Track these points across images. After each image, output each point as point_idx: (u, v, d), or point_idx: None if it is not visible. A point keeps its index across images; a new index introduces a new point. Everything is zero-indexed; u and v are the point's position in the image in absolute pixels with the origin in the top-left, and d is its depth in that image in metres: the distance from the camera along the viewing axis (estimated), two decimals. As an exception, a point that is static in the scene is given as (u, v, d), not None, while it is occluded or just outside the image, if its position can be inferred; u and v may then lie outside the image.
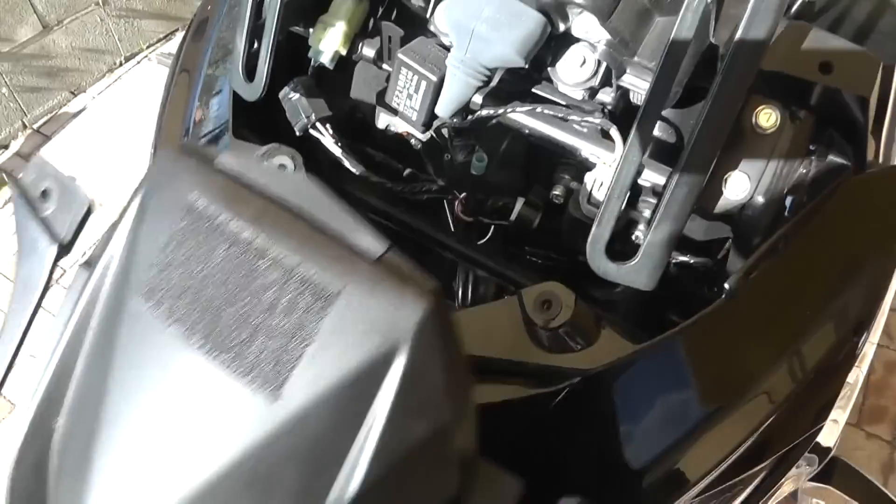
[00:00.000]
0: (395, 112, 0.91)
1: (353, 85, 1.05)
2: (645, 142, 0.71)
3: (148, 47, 3.13)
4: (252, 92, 0.89)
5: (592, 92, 0.86)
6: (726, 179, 0.78)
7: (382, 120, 1.13)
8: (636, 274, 0.73)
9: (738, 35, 0.66)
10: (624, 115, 0.88)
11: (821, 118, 0.79)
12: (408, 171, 0.96)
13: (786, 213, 0.80)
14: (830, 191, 0.77)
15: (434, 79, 0.84)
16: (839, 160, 0.79)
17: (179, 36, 3.03)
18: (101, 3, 2.89)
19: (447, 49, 0.87)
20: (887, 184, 0.81)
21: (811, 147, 0.80)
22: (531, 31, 0.76)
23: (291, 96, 0.92)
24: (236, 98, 0.94)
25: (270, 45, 0.86)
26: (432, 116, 0.87)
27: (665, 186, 0.71)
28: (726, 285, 0.71)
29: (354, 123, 1.08)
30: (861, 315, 0.78)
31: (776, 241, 0.75)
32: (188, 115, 1.02)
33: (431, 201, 0.98)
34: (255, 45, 0.90)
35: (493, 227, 0.97)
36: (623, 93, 0.85)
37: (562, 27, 0.79)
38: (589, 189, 0.82)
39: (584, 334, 0.76)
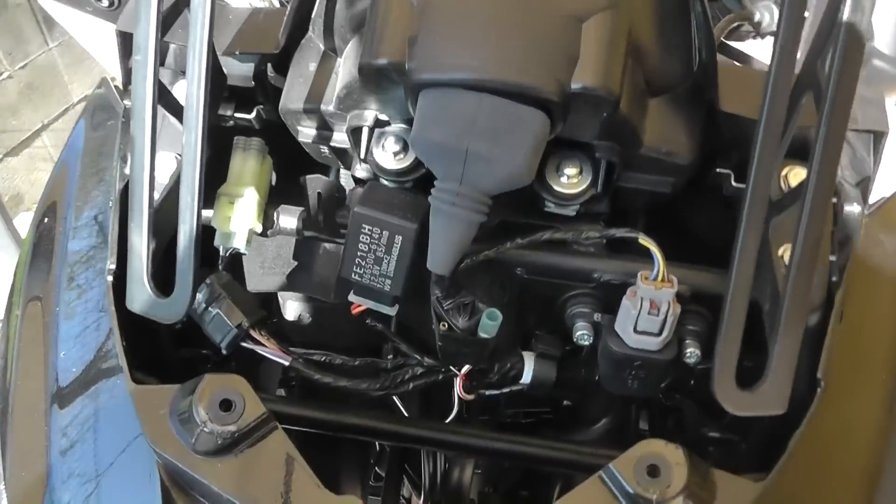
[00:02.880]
0: (348, 288, 0.69)
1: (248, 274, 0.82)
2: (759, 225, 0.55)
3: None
4: (171, 310, 0.63)
5: (592, 202, 0.69)
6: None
7: (291, 309, 0.90)
8: (769, 398, 0.57)
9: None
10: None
11: None
12: (390, 358, 0.74)
13: None
14: None
15: (414, 228, 0.63)
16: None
17: None
18: None
19: (412, 190, 0.67)
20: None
21: None
22: (539, 136, 0.59)
23: (208, 306, 0.68)
24: (132, 325, 0.67)
25: (193, 234, 0.61)
26: (409, 282, 0.66)
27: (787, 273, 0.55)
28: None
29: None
30: None
31: None
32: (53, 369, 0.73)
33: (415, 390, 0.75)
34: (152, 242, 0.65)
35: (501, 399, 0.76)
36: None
37: (559, 128, 0.62)
38: (635, 313, 0.64)
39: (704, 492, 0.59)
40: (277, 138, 0.77)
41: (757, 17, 1.09)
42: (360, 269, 0.66)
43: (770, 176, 0.59)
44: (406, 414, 0.88)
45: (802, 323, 0.58)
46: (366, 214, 0.63)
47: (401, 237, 0.63)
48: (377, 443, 1.07)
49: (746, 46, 1.11)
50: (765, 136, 0.57)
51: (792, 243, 0.58)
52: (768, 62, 0.58)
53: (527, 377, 0.73)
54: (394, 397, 0.86)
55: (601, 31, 0.60)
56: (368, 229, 0.64)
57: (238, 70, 0.76)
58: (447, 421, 0.79)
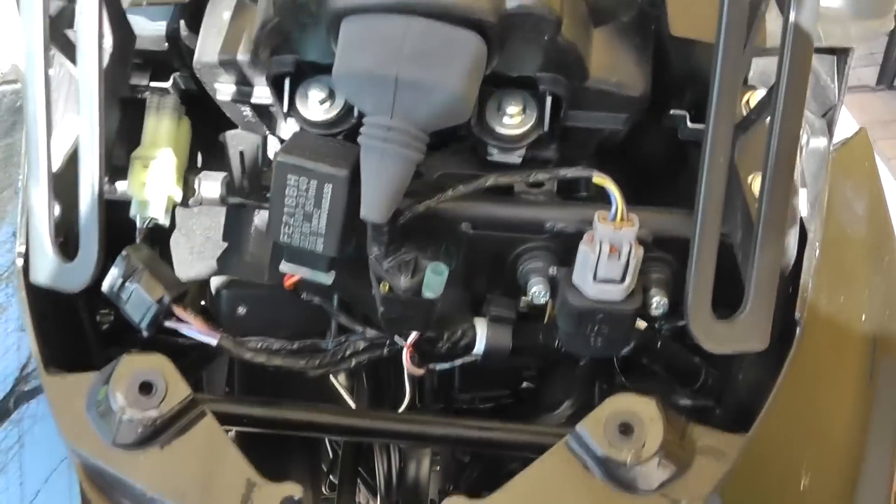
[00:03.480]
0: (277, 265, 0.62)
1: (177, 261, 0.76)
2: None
3: None
4: (76, 276, 0.56)
5: (538, 146, 0.64)
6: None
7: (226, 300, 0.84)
8: (749, 330, 0.51)
9: None
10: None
11: None
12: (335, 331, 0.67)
13: None
14: None
15: (344, 174, 0.57)
16: None
17: None
18: None
19: (338, 134, 0.61)
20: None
21: None
22: (475, 60, 0.53)
23: (127, 283, 0.61)
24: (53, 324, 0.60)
25: (96, 192, 0.54)
26: (346, 237, 0.60)
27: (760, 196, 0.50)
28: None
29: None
30: None
31: None
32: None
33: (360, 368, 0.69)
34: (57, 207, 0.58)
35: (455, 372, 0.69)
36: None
37: (496, 57, 0.57)
38: (594, 258, 0.58)
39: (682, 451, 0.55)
40: (199, 109, 0.71)
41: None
42: (289, 229, 0.59)
43: (733, 102, 0.55)
44: (354, 406, 0.81)
45: (780, 248, 0.53)
46: (290, 163, 0.57)
47: (331, 185, 0.57)
48: (329, 448, 1.00)
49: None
50: (726, 46, 0.52)
51: (763, 157, 0.53)
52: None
53: (480, 345, 0.67)
54: (339, 387, 0.80)
55: None
56: (294, 180, 0.57)
57: (149, 30, 0.70)
58: (400, 410, 0.72)
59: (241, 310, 0.83)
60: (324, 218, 0.58)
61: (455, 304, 0.70)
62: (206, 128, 0.71)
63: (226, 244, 0.76)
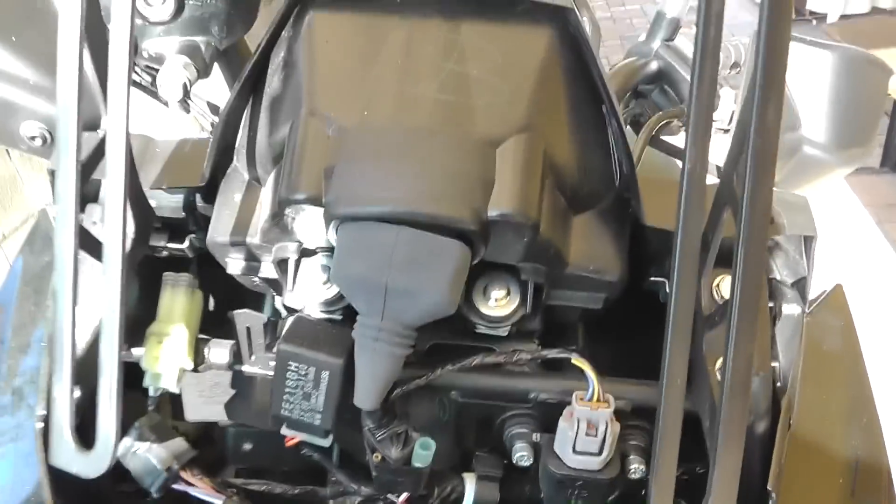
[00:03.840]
0: (281, 422, 0.67)
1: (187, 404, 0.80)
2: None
3: None
4: (93, 464, 0.60)
5: (523, 321, 0.69)
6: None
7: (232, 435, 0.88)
8: None
9: None
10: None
11: None
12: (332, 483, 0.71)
13: None
14: None
15: (339, 363, 0.62)
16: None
17: None
18: None
19: (339, 321, 0.67)
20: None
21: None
22: (459, 266, 0.59)
23: (137, 449, 0.65)
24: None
25: (114, 385, 0.59)
26: (340, 414, 0.65)
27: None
28: None
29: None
30: None
31: None
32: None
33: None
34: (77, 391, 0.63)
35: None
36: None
37: (481, 253, 0.62)
38: (573, 434, 0.63)
39: None
40: (211, 265, 0.76)
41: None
42: (290, 405, 0.64)
43: (692, 292, 0.59)
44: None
45: (741, 438, 0.57)
46: (291, 352, 0.62)
47: (328, 373, 0.62)
48: None
49: (679, 140, 1.13)
50: (682, 254, 0.57)
51: (723, 359, 0.57)
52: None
53: (468, 500, 0.71)
54: None
55: (515, 155, 0.61)
56: (294, 366, 0.62)
57: (168, 202, 0.76)
58: None
59: (247, 446, 0.88)
60: (321, 398, 0.63)
61: (445, 459, 0.74)
62: (219, 281, 0.76)
63: (234, 391, 0.80)
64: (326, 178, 0.60)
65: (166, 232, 0.77)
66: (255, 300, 0.80)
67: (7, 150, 2.81)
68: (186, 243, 0.76)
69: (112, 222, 0.60)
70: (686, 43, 1.18)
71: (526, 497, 0.73)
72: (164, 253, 0.77)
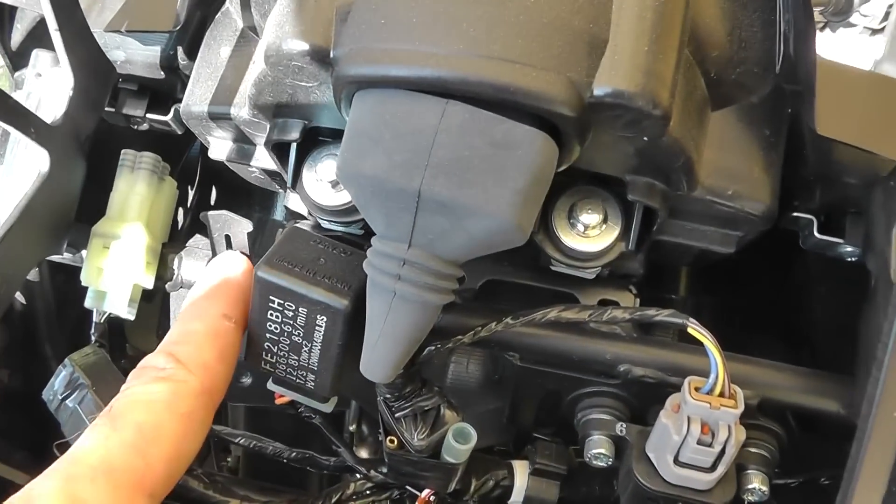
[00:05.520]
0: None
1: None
2: None
3: None
4: None
5: (619, 261, 0.47)
6: None
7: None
8: None
9: None
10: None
11: None
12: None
13: None
14: None
15: (343, 306, 0.41)
16: None
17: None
18: None
19: (348, 241, 0.46)
20: None
21: None
22: (539, 172, 0.36)
23: (67, 396, 0.47)
24: None
25: None
26: (340, 377, 0.45)
27: None
28: None
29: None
30: None
31: None
32: None
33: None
34: None
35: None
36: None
37: (573, 156, 0.40)
38: (678, 440, 0.42)
39: None
40: None
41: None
42: (272, 357, 0.44)
43: None
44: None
45: None
46: (272, 282, 0.41)
47: (325, 318, 0.41)
48: None
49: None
50: None
51: None
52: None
53: (517, 496, 0.52)
54: None
55: (643, 8, 0.37)
56: (278, 303, 0.42)
57: (141, 55, 0.56)
58: None
59: (246, 380, 0.71)
60: (315, 353, 0.43)
61: (491, 435, 0.54)
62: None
63: None
64: (338, 23, 0.38)
65: (145, 98, 0.57)
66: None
67: None
68: (171, 114, 0.56)
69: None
70: None
71: (595, 499, 0.54)
72: (145, 126, 0.58)
